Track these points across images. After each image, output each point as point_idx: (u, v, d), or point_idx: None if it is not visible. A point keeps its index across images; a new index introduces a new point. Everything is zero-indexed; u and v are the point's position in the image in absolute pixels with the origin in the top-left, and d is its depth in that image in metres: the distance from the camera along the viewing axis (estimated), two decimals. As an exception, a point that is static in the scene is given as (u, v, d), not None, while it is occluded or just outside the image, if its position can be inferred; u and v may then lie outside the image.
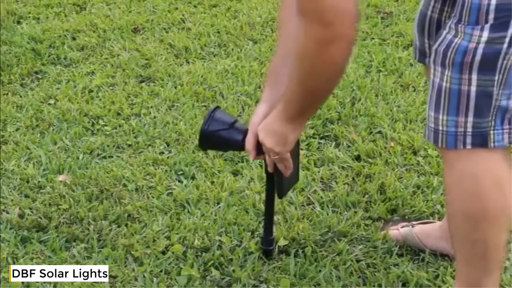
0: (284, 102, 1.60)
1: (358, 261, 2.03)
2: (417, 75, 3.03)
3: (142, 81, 3.09)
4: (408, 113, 2.75)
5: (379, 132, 2.65)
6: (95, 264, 2.02)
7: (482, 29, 1.42)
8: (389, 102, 2.83)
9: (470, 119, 1.49)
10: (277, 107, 1.64)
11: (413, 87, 2.95)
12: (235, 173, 2.44)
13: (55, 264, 2.03)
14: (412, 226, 2.08)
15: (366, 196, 2.30)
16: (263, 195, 2.25)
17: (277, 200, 2.00)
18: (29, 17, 3.76)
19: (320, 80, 1.47)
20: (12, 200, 2.30)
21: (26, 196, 2.33)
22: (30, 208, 2.26)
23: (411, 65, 3.14)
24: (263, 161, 2.41)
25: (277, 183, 1.85)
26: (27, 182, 2.40)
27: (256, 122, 1.73)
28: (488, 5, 1.40)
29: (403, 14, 3.63)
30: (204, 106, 2.86)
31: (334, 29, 1.36)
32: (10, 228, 2.18)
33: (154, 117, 2.78)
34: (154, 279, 1.98)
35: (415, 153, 2.52)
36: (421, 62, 1.81)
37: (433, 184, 2.33)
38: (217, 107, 1.82)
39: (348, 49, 1.41)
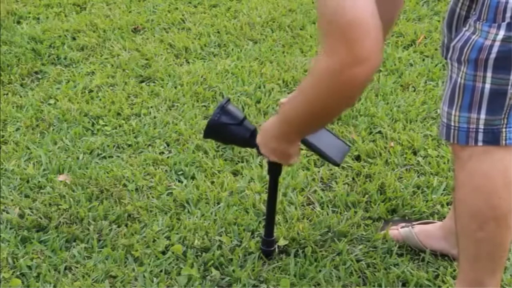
0: (282, 122, 1.61)
1: (358, 261, 2.04)
2: (417, 75, 3.03)
3: (142, 81, 3.09)
4: (408, 113, 2.75)
5: (379, 132, 2.65)
6: (95, 264, 2.02)
7: (498, 27, 1.42)
8: (389, 102, 2.83)
9: (483, 116, 1.50)
10: (273, 124, 1.65)
11: (413, 87, 2.95)
12: (235, 173, 2.44)
13: (55, 264, 2.03)
14: (412, 227, 2.08)
15: (366, 196, 2.30)
16: (263, 195, 2.26)
17: (277, 200, 2.00)
18: (29, 17, 3.76)
19: (333, 101, 1.44)
20: (12, 200, 2.30)
21: (26, 196, 2.33)
22: (30, 208, 2.26)
23: (411, 65, 3.14)
24: (263, 161, 2.43)
25: (319, 154, 1.81)
26: (27, 182, 2.40)
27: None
28: (506, 3, 1.41)
29: (403, 14, 3.63)
30: (204, 106, 2.86)
31: (358, 50, 1.33)
32: (10, 228, 2.18)
33: (154, 117, 2.78)
34: (154, 279, 1.98)
35: (415, 153, 2.52)
36: (446, 60, 1.80)
37: (433, 184, 2.33)
38: (229, 100, 1.80)
39: (371, 71, 1.37)
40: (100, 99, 2.93)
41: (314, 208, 2.26)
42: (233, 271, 1.99)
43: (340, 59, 1.35)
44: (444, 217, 2.14)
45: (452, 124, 1.54)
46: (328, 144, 1.78)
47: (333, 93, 1.41)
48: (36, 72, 3.20)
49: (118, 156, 2.55)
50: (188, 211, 2.25)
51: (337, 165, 1.84)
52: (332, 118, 1.61)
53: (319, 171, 2.42)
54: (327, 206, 2.26)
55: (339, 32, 1.33)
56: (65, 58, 3.30)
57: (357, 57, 1.33)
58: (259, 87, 2.97)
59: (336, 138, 1.81)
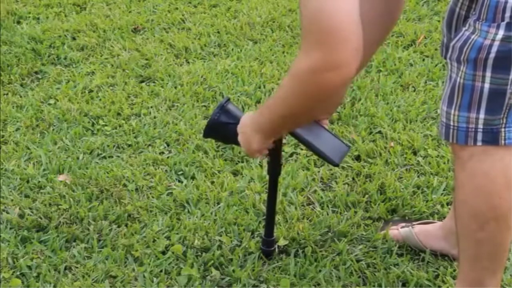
0: (260, 112, 1.61)
1: (358, 261, 2.03)
2: (417, 75, 3.03)
3: (142, 81, 3.09)
4: (408, 113, 2.75)
5: (379, 132, 2.65)
6: (95, 264, 2.02)
7: (498, 27, 1.42)
8: (389, 102, 2.83)
9: (482, 116, 1.50)
10: (257, 111, 1.65)
11: (413, 87, 2.95)
12: (235, 173, 2.44)
13: (55, 264, 2.03)
14: (412, 227, 2.08)
15: (366, 196, 2.30)
16: (263, 195, 2.26)
17: (277, 200, 2.00)
18: (29, 17, 3.76)
19: (306, 104, 1.44)
20: (12, 200, 2.30)
21: (26, 196, 2.33)
22: (30, 208, 2.26)
23: (411, 65, 3.14)
24: (263, 161, 2.43)
25: (318, 154, 1.81)
26: (27, 182, 2.40)
27: None
28: (505, 3, 1.41)
29: (403, 14, 3.63)
30: (204, 106, 2.86)
31: (335, 56, 1.32)
32: (10, 228, 2.18)
33: (154, 117, 2.78)
34: (154, 279, 1.98)
35: (415, 153, 2.52)
36: (446, 59, 1.80)
37: (433, 184, 2.33)
38: (229, 99, 1.80)
39: (346, 78, 1.36)
40: (100, 99, 2.93)
41: (314, 208, 2.26)
42: (233, 271, 1.99)
43: (315, 61, 1.34)
44: (444, 217, 2.14)
45: (452, 123, 1.54)
46: (327, 144, 1.77)
47: (305, 94, 1.41)
48: (36, 72, 3.20)
49: (118, 156, 2.55)
50: (188, 211, 2.25)
51: (336, 165, 1.84)
52: (306, 119, 1.62)
53: (319, 171, 2.42)
54: (327, 206, 2.26)
55: (318, 34, 1.32)
56: (65, 58, 3.30)
57: (332, 62, 1.33)
58: (259, 87, 2.97)
59: (336, 138, 1.80)
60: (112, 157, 2.55)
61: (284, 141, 1.78)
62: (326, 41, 1.32)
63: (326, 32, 1.31)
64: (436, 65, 3.11)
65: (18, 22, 3.72)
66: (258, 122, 1.63)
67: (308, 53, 1.35)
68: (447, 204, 2.25)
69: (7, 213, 2.24)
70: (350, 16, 1.31)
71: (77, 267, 2.03)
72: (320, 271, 2.00)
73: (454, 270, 1.97)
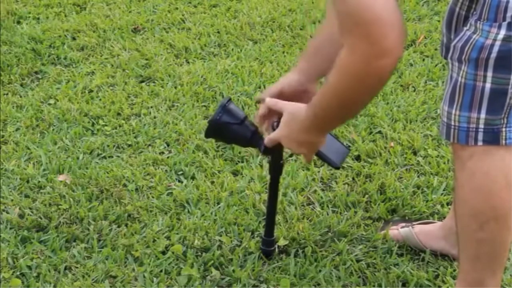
0: (311, 115, 1.58)
1: (358, 261, 2.03)
2: (417, 75, 3.03)
3: (142, 81, 3.09)
4: (408, 113, 2.75)
5: (379, 132, 2.65)
6: (95, 264, 2.02)
7: (499, 27, 1.42)
8: (389, 102, 2.83)
9: (483, 115, 1.50)
10: (296, 118, 1.62)
11: (413, 87, 2.95)
12: (235, 173, 2.44)
13: (55, 264, 2.03)
14: (412, 227, 2.08)
15: (366, 196, 2.30)
16: (263, 195, 2.26)
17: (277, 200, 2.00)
18: (29, 17, 3.76)
19: (362, 94, 1.46)
20: (12, 200, 2.30)
21: (26, 196, 2.33)
22: (30, 208, 2.26)
23: (411, 65, 3.14)
24: (263, 161, 2.43)
25: (318, 156, 1.81)
26: (27, 182, 2.40)
27: (277, 88, 1.76)
28: (507, 2, 1.41)
29: (403, 14, 3.63)
30: (204, 106, 2.86)
31: (382, 44, 1.33)
32: (10, 228, 2.18)
33: (154, 117, 2.78)
34: (154, 279, 1.98)
35: (415, 153, 2.52)
36: (446, 59, 1.80)
37: (433, 184, 2.33)
38: (230, 99, 1.80)
39: (395, 62, 1.38)
40: (100, 99, 2.93)
41: (314, 208, 2.26)
42: (233, 271, 1.99)
43: (365, 53, 1.35)
44: (444, 217, 2.14)
45: (452, 123, 1.54)
46: (328, 146, 1.77)
47: (361, 86, 1.42)
48: (36, 72, 3.20)
49: (118, 156, 2.55)
50: (188, 211, 2.25)
51: (337, 167, 1.84)
52: (359, 111, 1.70)
53: (319, 171, 2.42)
54: (327, 206, 2.26)
55: (363, 27, 1.33)
56: (65, 58, 3.30)
57: (383, 50, 1.34)
58: (259, 87, 2.97)
59: (336, 140, 1.80)
60: (112, 157, 2.55)
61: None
62: (372, 32, 1.33)
63: (371, 22, 1.32)
64: (436, 65, 3.11)
65: (18, 22, 3.72)
66: (308, 126, 1.60)
67: (356, 47, 1.36)
68: (447, 204, 2.25)
69: (7, 213, 2.24)
70: (389, 5, 1.33)
71: (77, 267, 2.03)
72: (320, 271, 2.00)
73: (454, 270, 1.97)
